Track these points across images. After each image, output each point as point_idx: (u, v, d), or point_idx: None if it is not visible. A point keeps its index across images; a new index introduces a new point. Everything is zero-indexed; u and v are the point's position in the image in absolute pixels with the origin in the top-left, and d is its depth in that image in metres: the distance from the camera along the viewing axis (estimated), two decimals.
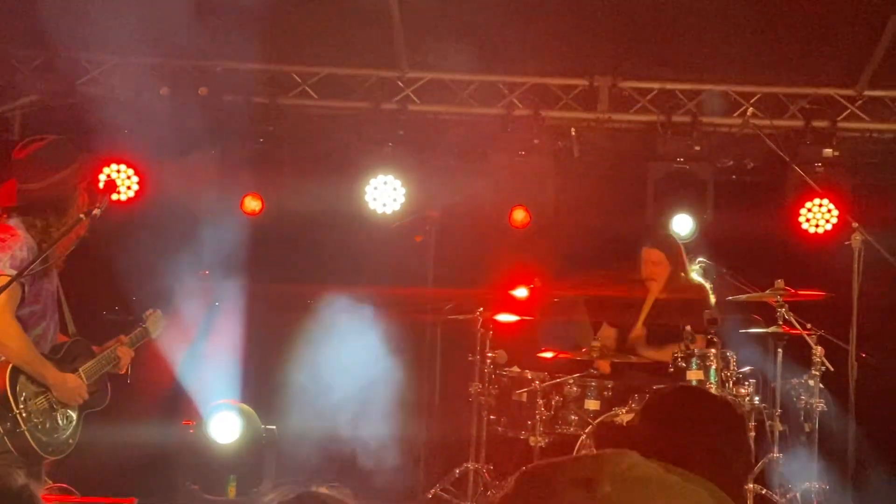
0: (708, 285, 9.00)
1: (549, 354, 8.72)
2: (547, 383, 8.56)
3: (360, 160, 10.12)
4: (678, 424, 3.33)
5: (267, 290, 9.49)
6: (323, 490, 2.34)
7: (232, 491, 8.97)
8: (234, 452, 9.00)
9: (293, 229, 10.00)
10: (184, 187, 9.67)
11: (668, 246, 9.04)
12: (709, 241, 9.77)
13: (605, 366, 8.79)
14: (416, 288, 9.35)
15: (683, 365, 8.28)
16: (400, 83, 10.15)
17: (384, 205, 10.03)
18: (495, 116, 10.13)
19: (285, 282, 9.56)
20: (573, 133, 10.04)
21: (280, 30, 9.56)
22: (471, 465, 8.72)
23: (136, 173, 9.88)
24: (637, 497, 2.16)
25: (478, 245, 9.83)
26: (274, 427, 9.16)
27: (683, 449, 3.21)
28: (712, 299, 8.92)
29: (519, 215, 9.96)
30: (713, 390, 8.14)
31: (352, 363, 9.06)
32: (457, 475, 8.77)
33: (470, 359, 8.77)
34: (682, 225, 9.97)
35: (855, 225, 8.46)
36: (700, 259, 9.19)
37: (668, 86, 10.15)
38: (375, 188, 10.04)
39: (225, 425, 9.03)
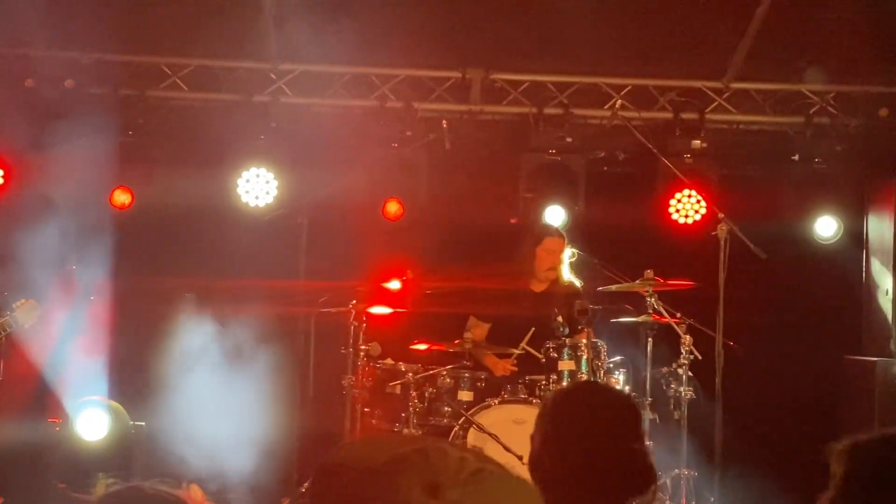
0: (578, 281, 9.08)
1: (422, 346, 8.72)
2: (420, 375, 8.56)
3: (231, 153, 10.02)
4: (579, 422, 3.36)
5: (136, 284, 9.36)
6: (148, 485, 2.29)
7: (101, 489, 8.82)
8: (102, 450, 8.85)
9: (164, 223, 9.87)
10: (51, 180, 9.48)
11: (565, 237, 9.13)
12: (580, 232, 9.85)
13: (505, 368, 8.77)
14: (289, 281, 9.29)
15: (556, 355, 8.35)
16: (272, 75, 10.07)
17: (256, 197, 9.95)
18: (368, 108, 10.11)
19: (155, 276, 9.44)
20: (444, 125, 10.05)
21: (148, 21, 9.43)
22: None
23: (2, 166, 9.68)
24: (482, 495, 2.16)
25: (351, 237, 9.79)
26: (143, 424, 9.02)
27: (586, 445, 3.24)
28: (583, 289, 9.01)
29: (392, 207, 9.95)
30: (584, 379, 8.25)
31: (223, 357, 8.97)
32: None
33: (343, 351, 8.74)
34: (555, 216, 10.04)
35: (721, 216, 8.61)
36: (572, 250, 9.27)
37: (540, 78, 10.21)
38: (248, 181, 9.96)
39: (92, 422, 8.87)
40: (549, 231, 9.06)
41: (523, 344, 8.61)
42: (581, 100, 10.24)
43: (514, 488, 2.21)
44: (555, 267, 8.94)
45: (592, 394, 3.69)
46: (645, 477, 3.42)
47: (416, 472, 2.12)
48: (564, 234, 9.16)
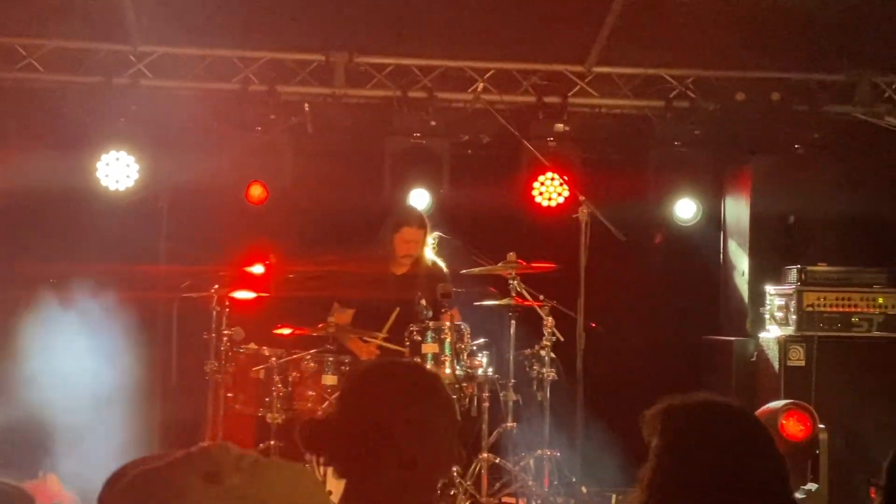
0: (443, 263, 9.11)
1: (286, 331, 8.67)
2: (284, 360, 8.53)
3: (91, 136, 9.83)
4: (381, 400, 3.32)
5: None
6: None
7: None
8: None
9: (21, 207, 9.65)
10: None
11: (426, 225, 9.11)
12: (445, 216, 9.89)
13: (369, 352, 8.75)
14: (150, 265, 9.18)
15: (419, 338, 8.37)
16: (132, 57, 9.90)
17: (117, 181, 9.79)
18: (230, 92, 10.00)
19: (12, 261, 9.24)
20: (307, 108, 9.99)
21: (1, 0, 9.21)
22: (208, 444, 8.58)
23: None
24: (260, 482, 2.20)
25: (213, 221, 9.71)
26: None
27: (385, 422, 3.21)
28: (447, 273, 9.04)
29: (255, 191, 9.87)
30: (447, 363, 8.29)
31: (83, 345, 8.82)
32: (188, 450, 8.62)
33: (206, 337, 8.65)
34: (419, 200, 10.06)
35: (582, 198, 8.70)
36: (436, 233, 9.29)
37: (404, 61, 10.20)
38: (107, 164, 9.79)
39: None
40: (407, 220, 9.03)
41: (387, 327, 8.61)
42: (445, 83, 10.26)
43: (292, 475, 2.27)
44: (412, 255, 8.94)
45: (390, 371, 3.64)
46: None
47: (197, 465, 2.21)
48: (425, 220, 9.14)
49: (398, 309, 8.60)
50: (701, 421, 2.81)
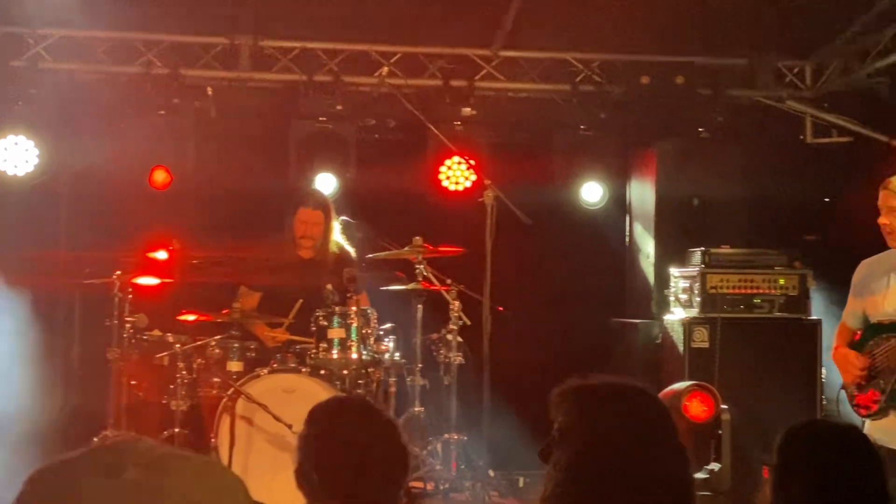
0: (350, 247, 9.07)
1: (190, 317, 8.57)
2: (188, 346, 8.42)
3: None
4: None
5: None
6: None
7: None
8: None
9: None
10: None
11: (326, 206, 9.04)
12: (351, 200, 9.85)
13: (274, 338, 8.68)
14: (50, 252, 9.02)
15: (325, 323, 8.33)
16: (29, 40, 9.72)
17: (16, 166, 9.62)
18: (133, 75, 9.87)
19: None
20: (210, 92, 9.89)
21: None
22: (110, 433, 8.49)
23: None
24: (163, 479, 2.16)
25: (116, 207, 9.57)
26: None
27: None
28: (354, 257, 9.00)
29: (159, 176, 9.76)
30: (353, 348, 8.26)
31: None
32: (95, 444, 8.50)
33: (108, 324, 8.53)
34: (325, 184, 10.01)
35: (487, 182, 8.70)
36: (343, 218, 9.25)
37: (310, 45, 10.14)
38: (6, 149, 9.62)
39: None
40: (303, 201, 8.97)
41: (292, 315, 8.55)
42: (351, 67, 10.21)
43: (199, 469, 2.23)
44: (309, 236, 8.87)
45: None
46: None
47: (101, 458, 2.15)
48: (325, 202, 9.08)
49: (301, 300, 8.54)
50: (607, 401, 2.82)
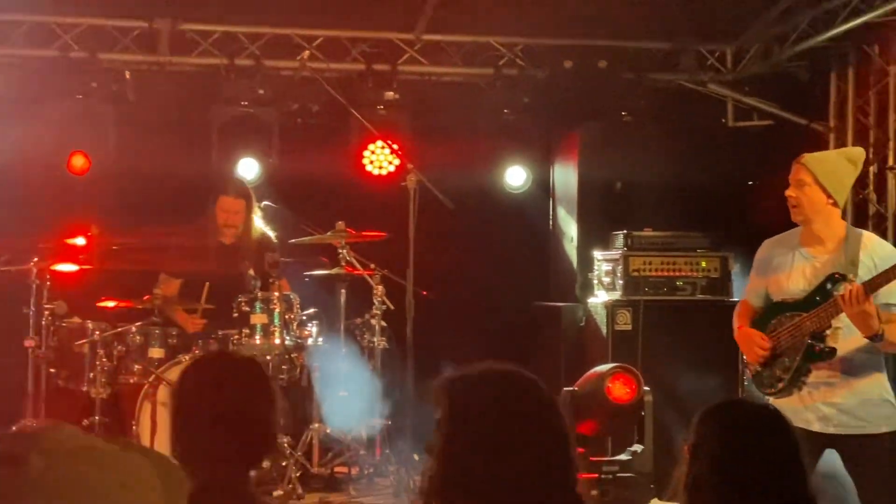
0: (271, 230, 9.00)
1: (110, 304, 8.48)
2: (108, 333, 8.33)
3: None
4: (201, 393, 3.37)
5: None
6: None
7: None
8: None
9: None
10: None
11: (248, 194, 8.97)
12: (274, 185, 9.80)
13: (195, 324, 8.60)
14: None
15: (247, 309, 8.27)
16: None
17: None
18: (49, 59, 9.71)
19: None
20: (128, 76, 9.77)
21: None
22: (29, 421, 8.37)
23: None
24: (69, 470, 2.11)
25: (33, 193, 9.42)
26: None
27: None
28: (276, 243, 8.93)
29: (78, 162, 9.63)
30: (276, 333, 8.21)
31: None
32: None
33: (26, 311, 8.41)
34: (248, 169, 9.94)
35: (410, 166, 8.68)
36: (265, 203, 9.19)
37: (231, 28, 10.06)
38: None
39: None
40: (224, 190, 8.88)
41: (203, 300, 8.47)
42: (273, 51, 10.14)
43: (112, 461, 2.19)
44: (232, 225, 8.79)
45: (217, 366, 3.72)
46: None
47: (3, 446, 2.10)
48: (246, 189, 9.01)
49: (208, 284, 8.47)
50: (475, 388, 2.82)
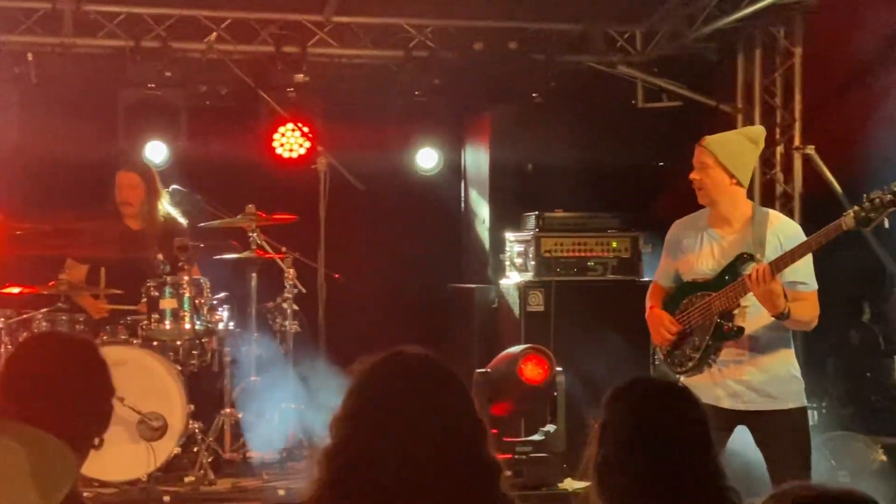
0: (181, 217, 8.90)
1: (15, 290, 8.33)
2: (14, 320, 8.18)
3: None
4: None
5: None
6: None
7: None
8: None
9: None
10: None
11: (144, 169, 8.85)
12: (183, 169, 9.69)
13: (101, 309, 8.48)
14: None
15: (156, 294, 8.17)
16: None
17: None
18: None
19: None
20: (30, 58, 9.58)
21: None
22: None
23: None
24: None
25: None
26: None
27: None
28: (186, 226, 8.83)
29: None
30: (186, 318, 8.12)
31: None
32: None
33: None
34: (156, 153, 9.82)
35: (320, 149, 8.63)
36: (174, 187, 9.08)
37: (137, 10, 9.88)
38: None
39: None
40: (119, 164, 8.79)
41: (102, 284, 8.36)
42: (180, 33, 9.99)
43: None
44: (129, 202, 8.66)
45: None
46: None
47: None
48: (144, 165, 8.90)
49: (103, 268, 8.36)
50: (383, 373, 2.81)
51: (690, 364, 5.91)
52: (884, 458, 8.67)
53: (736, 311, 5.79)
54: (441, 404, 2.78)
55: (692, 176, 5.94)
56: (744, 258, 5.79)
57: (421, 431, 2.71)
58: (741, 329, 5.78)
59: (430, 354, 2.88)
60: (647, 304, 6.21)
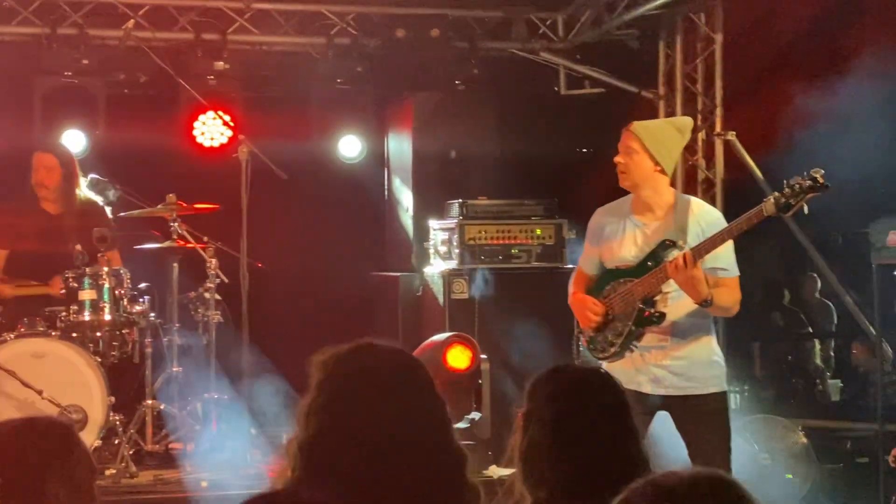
0: (101, 202, 8.77)
1: None
2: None
3: None
4: None
5: None
6: None
7: None
8: None
9: None
10: None
11: (62, 151, 8.71)
12: (102, 158, 9.56)
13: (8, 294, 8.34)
14: None
15: (75, 285, 8.05)
16: None
17: None
18: None
19: None
20: None
21: None
22: None
23: None
24: None
25: None
26: None
27: None
28: (109, 216, 8.70)
29: None
30: (106, 309, 8.01)
31: None
32: None
33: None
34: (74, 141, 9.67)
35: (242, 137, 8.55)
36: (92, 175, 8.94)
37: None
38: None
39: None
40: (36, 147, 8.66)
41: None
42: (97, 20, 9.85)
43: None
44: (46, 185, 8.50)
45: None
46: None
47: None
48: (60, 148, 8.76)
49: (7, 251, 8.24)
50: (355, 365, 2.78)
51: (612, 350, 5.94)
52: (805, 440, 8.78)
53: (658, 298, 5.82)
54: (412, 395, 2.77)
55: (617, 159, 5.96)
56: (666, 245, 5.82)
57: (395, 421, 2.70)
58: (663, 315, 5.81)
59: (398, 346, 2.88)
60: (570, 290, 6.22)
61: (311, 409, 2.75)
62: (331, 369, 2.78)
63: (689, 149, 9.95)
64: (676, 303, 5.80)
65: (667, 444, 5.85)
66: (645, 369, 5.86)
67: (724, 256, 5.81)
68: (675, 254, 5.70)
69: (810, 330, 12.27)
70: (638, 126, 5.98)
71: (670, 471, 2.18)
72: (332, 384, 2.75)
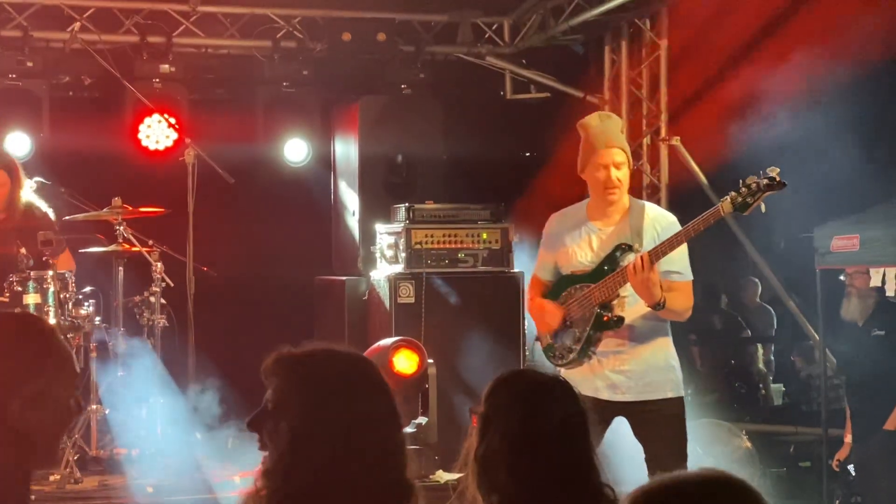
0: (45, 206, 8.69)
1: None
2: None
3: None
4: None
5: None
6: None
7: None
8: None
9: None
10: None
11: (10, 166, 8.62)
12: (46, 161, 9.48)
13: None
14: None
15: (20, 289, 7.98)
16: None
17: None
18: None
19: None
20: None
21: None
22: None
23: None
24: None
25: None
26: None
27: None
28: (53, 219, 8.63)
29: None
30: (51, 313, 7.95)
31: None
32: None
33: None
34: (18, 144, 9.59)
35: (188, 140, 8.52)
36: (37, 178, 8.86)
37: None
38: None
39: None
40: None
41: None
42: (41, 22, 9.79)
43: None
44: None
45: None
46: None
47: None
48: (7, 159, 8.67)
49: None
50: (321, 368, 2.80)
51: (571, 356, 5.92)
52: (748, 444, 8.87)
53: (615, 302, 5.81)
54: (375, 400, 2.82)
55: (618, 177, 5.87)
56: (622, 248, 5.82)
57: (355, 426, 2.73)
58: (621, 319, 5.80)
59: (355, 351, 2.90)
60: (528, 296, 6.23)
61: (277, 414, 2.76)
62: (289, 374, 2.79)
63: (635, 154, 9.98)
64: (634, 307, 5.79)
65: (623, 451, 5.87)
66: (602, 375, 5.85)
67: (678, 260, 5.82)
68: (631, 258, 5.71)
69: (749, 333, 12.38)
70: (621, 139, 5.92)
71: (679, 472, 2.20)
72: (309, 398, 2.76)
